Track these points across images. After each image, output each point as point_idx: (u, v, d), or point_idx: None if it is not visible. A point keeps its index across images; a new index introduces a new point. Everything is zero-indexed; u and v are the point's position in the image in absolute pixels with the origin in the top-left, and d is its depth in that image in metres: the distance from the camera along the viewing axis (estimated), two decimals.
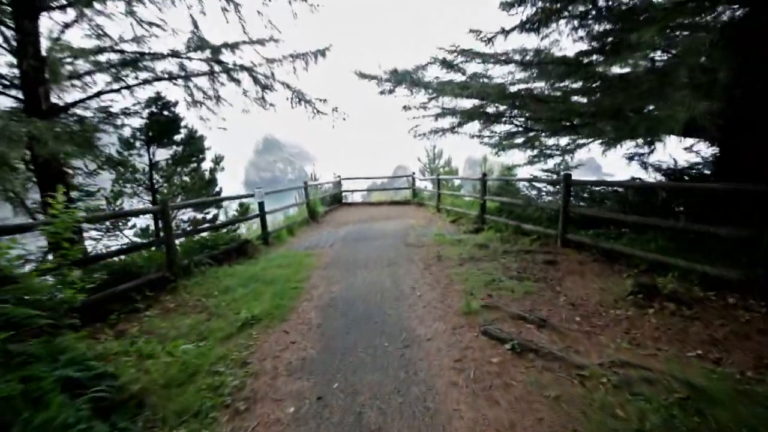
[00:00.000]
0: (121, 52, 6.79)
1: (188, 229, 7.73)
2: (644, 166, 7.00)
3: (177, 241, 6.20)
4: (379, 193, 14.31)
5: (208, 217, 8.55)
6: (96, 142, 5.98)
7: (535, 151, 10.31)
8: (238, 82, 8.14)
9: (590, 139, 7.86)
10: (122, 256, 5.26)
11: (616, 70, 5.63)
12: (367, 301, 4.24)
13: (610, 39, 4.92)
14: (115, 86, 6.86)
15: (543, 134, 7.58)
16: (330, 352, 3.12)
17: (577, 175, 8.08)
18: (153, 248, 5.50)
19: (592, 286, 4.43)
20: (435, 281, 4.86)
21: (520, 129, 7.50)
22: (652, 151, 6.48)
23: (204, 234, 6.63)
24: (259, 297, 4.47)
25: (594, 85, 5.81)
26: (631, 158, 6.78)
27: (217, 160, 8.64)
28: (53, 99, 6.51)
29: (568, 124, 6.25)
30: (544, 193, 8.49)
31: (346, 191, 13.17)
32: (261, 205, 7.53)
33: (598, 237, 5.74)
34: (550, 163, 10.24)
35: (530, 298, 4.14)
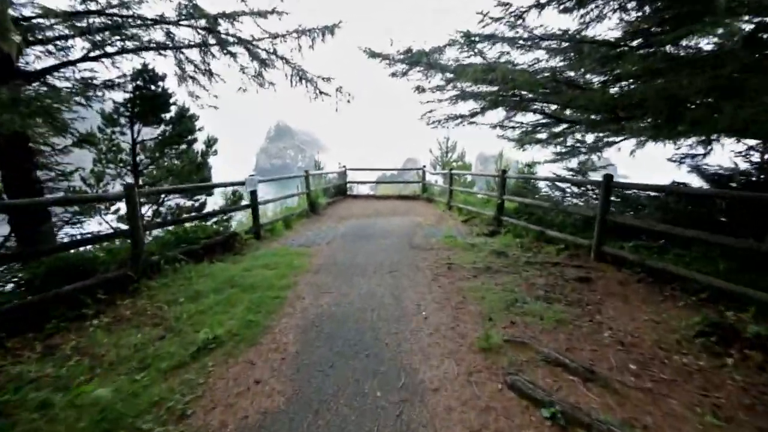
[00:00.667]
0: (102, 14, 5.99)
1: (167, 218, 6.98)
2: (697, 170, 6.05)
3: (154, 233, 5.47)
4: (387, 186, 13.44)
5: (199, 204, 7.82)
6: (65, 116, 5.21)
7: (560, 148, 9.43)
8: (233, 56, 7.31)
9: (622, 136, 6.94)
10: (85, 248, 4.54)
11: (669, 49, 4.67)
12: (360, 322, 3.44)
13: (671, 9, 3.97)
14: (94, 54, 6.08)
15: (577, 127, 6.63)
16: (302, 402, 2.33)
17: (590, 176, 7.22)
18: (118, 240, 4.76)
19: (641, 316, 3.56)
20: (444, 297, 4.03)
21: (551, 120, 6.53)
22: (708, 153, 5.50)
23: (187, 225, 5.88)
24: (231, 308, 3.70)
25: (641, 69, 4.84)
26: (681, 160, 5.81)
27: (210, 142, 7.87)
28: (22, 65, 5.78)
29: (611, 116, 5.29)
30: (568, 195, 7.58)
31: (352, 182, 12.34)
32: (253, 194, 6.75)
33: (640, 251, 4.84)
34: (574, 162, 9.38)
35: (565, 329, 3.28)
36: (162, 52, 6.71)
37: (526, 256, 5.52)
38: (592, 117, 5.48)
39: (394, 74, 7.86)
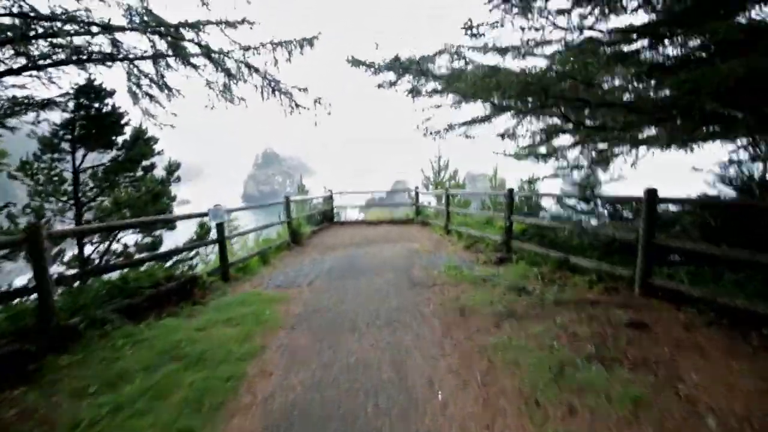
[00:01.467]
0: (29, 17, 5.00)
1: (97, 264, 5.78)
2: (728, 179, 5.25)
3: (76, 285, 4.30)
4: (378, 210, 12.45)
5: (153, 242, 6.65)
6: None
7: (561, 162, 8.64)
8: (195, 68, 6.37)
9: (635, 143, 6.17)
10: None
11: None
12: (348, 422, 2.32)
13: None
14: (19, 66, 5.05)
15: (594, 135, 5.80)
16: None
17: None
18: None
19: (738, 381, 2.55)
20: (464, 365, 2.95)
21: (568, 126, 5.69)
22: (763, 157, 4.67)
23: (133, 269, 4.73)
24: (160, 402, 2.55)
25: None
26: (726, 165, 4.98)
27: (171, 167, 6.81)
28: None
29: (650, 116, 4.43)
30: (579, 214, 6.71)
31: (339, 207, 11.33)
32: (219, 228, 5.66)
33: (702, 283, 3.87)
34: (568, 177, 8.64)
35: (648, 415, 2.23)
36: (107, 63, 5.73)
37: (553, 293, 4.50)
38: (628, 119, 4.60)
39: (381, 85, 7.01)
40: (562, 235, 5.98)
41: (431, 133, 5.81)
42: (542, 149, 10.14)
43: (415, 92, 7.03)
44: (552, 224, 5.93)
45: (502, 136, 8.27)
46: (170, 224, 6.37)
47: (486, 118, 5.67)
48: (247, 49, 6.84)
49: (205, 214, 5.41)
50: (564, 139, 8.43)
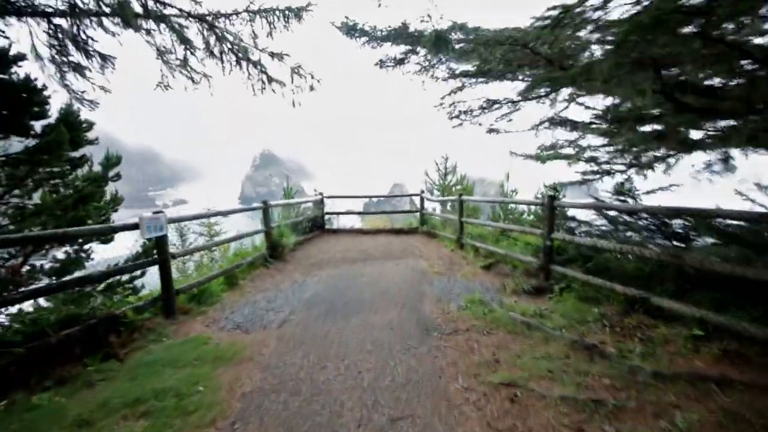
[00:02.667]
0: None
1: None
2: None
3: None
4: (376, 217, 10.89)
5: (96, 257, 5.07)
6: None
7: (591, 166, 7.38)
8: (149, 33, 4.86)
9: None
10: None
11: None
12: None
13: None
14: None
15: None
16: None
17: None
18: None
19: None
20: None
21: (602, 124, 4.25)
22: None
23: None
24: None
25: None
26: None
27: (110, 161, 5.25)
28: None
29: None
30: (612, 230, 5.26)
31: (331, 213, 9.77)
32: (159, 242, 4.12)
33: None
34: (607, 183, 7.33)
35: None
36: (15, 18, 4.19)
37: (638, 355, 2.98)
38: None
39: (382, 63, 5.53)
40: (628, 262, 4.46)
41: (459, 114, 4.30)
42: (569, 150, 8.73)
43: (429, 70, 5.58)
44: (621, 248, 4.39)
45: (536, 126, 6.98)
46: (103, 236, 4.80)
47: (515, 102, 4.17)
48: (216, 16, 5.33)
49: (135, 226, 3.85)
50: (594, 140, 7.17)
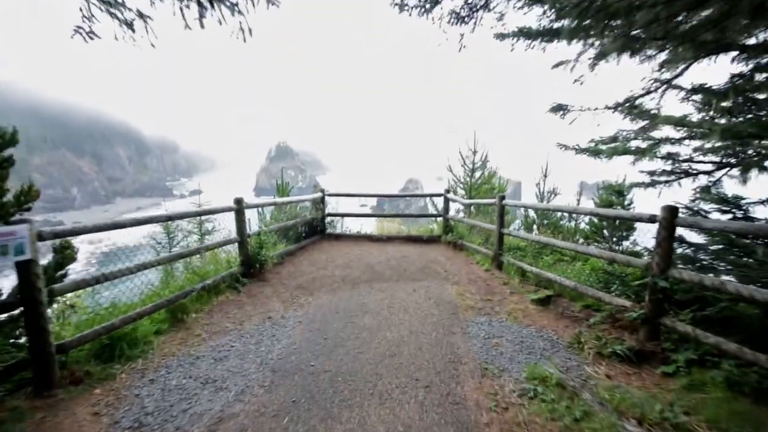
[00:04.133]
0: None
1: None
2: None
3: None
4: (387, 220, 8.98)
5: None
6: None
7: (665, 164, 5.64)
8: None
9: None
10: None
11: None
12: None
13: None
14: None
15: None
16: None
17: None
18: None
19: None
20: None
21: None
22: None
23: None
24: None
25: None
26: None
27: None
28: None
29: None
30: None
31: (333, 215, 7.97)
32: (22, 271, 2.44)
33: None
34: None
35: None
36: None
37: None
38: None
39: (402, 5, 3.74)
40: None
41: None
42: (638, 143, 7.05)
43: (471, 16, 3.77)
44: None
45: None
46: None
47: None
48: None
49: None
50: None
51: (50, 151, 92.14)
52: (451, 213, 8.16)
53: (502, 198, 5.58)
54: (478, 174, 9.98)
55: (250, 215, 6.47)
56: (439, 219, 7.88)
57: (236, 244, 5.07)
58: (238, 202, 4.97)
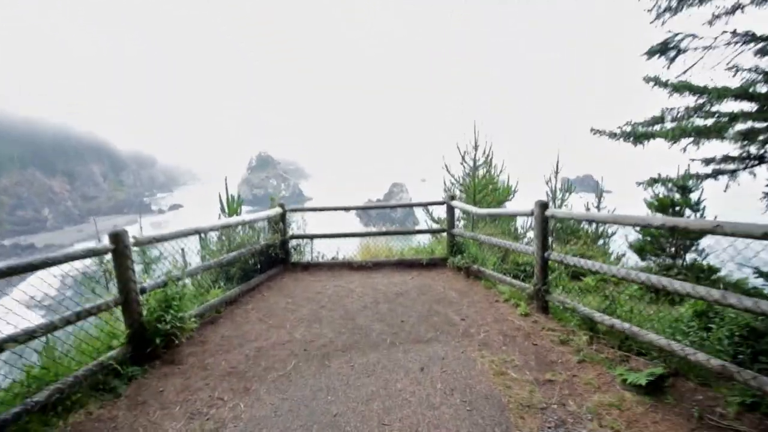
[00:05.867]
0: None
1: None
2: None
3: None
4: (372, 240, 6.79)
5: None
6: None
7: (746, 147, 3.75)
8: None
9: None
10: None
11: None
12: None
13: None
14: None
15: None
16: None
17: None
18: None
19: None
20: None
21: None
22: None
23: None
24: None
25: None
26: None
27: None
28: None
29: None
30: None
31: (300, 237, 5.86)
32: None
33: None
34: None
35: None
36: None
37: None
38: None
39: None
40: None
41: None
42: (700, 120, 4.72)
43: None
44: None
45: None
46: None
47: None
48: None
49: None
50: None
51: (18, 171, 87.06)
52: (460, 224, 6.19)
53: (544, 206, 3.66)
54: (481, 172, 8.11)
55: (188, 245, 4.43)
56: (442, 234, 5.92)
57: (118, 306, 3.00)
58: (115, 236, 2.91)
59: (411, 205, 7.76)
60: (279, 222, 5.43)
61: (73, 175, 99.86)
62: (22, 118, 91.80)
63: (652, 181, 6.36)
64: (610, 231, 8.57)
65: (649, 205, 5.62)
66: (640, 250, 5.49)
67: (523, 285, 4.12)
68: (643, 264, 5.34)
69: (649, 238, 5.53)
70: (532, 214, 3.75)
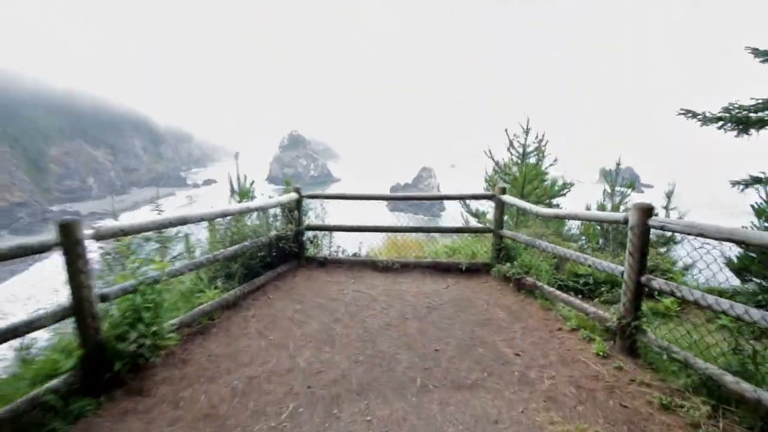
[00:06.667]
0: None
1: None
2: None
3: None
4: (399, 235, 5.72)
5: None
6: None
7: None
8: None
9: None
10: None
11: None
12: None
13: None
14: None
15: None
16: None
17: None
18: None
19: None
20: None
21: None
22: None
23: None
24: None
25: None
26: None
27: None
28: None
29: None
30: None
31: (316, 228, 5.02)
32: None
33: None
34: None
35: None
36: None
37: None
38: None
39: None
40: None
41: None
42: None
43: None
44: None
45: None
46: None
47: None
48: None
49: None
50: None
51: (66, 142, 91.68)
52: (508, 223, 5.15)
53: (648, 212, 2.60)
54: (538, 156, 6.97)
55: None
56: (488, 235, 4.91)
57: (70, 319, 2.30)
58: (65, 230, 2.17)
59: (451, 198, 6.58)
60: (294, 210, 4.62)
61: (116, 147, 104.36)
62: (63, 89, 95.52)
63: (753, 180, 5.08)
64: (678, 237, 7.27)
65: (759, 213, 4.38)
66: (742, 269, 4.30)
67: (600, 313, 3.11)
68: (751, 288, 4.16)
69: (754, 255, 4.32)
70: (626, 222, 2.69)
